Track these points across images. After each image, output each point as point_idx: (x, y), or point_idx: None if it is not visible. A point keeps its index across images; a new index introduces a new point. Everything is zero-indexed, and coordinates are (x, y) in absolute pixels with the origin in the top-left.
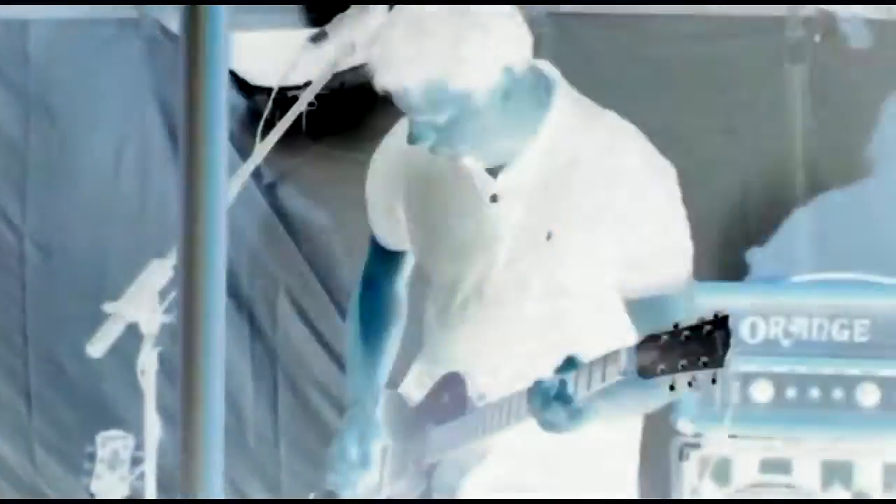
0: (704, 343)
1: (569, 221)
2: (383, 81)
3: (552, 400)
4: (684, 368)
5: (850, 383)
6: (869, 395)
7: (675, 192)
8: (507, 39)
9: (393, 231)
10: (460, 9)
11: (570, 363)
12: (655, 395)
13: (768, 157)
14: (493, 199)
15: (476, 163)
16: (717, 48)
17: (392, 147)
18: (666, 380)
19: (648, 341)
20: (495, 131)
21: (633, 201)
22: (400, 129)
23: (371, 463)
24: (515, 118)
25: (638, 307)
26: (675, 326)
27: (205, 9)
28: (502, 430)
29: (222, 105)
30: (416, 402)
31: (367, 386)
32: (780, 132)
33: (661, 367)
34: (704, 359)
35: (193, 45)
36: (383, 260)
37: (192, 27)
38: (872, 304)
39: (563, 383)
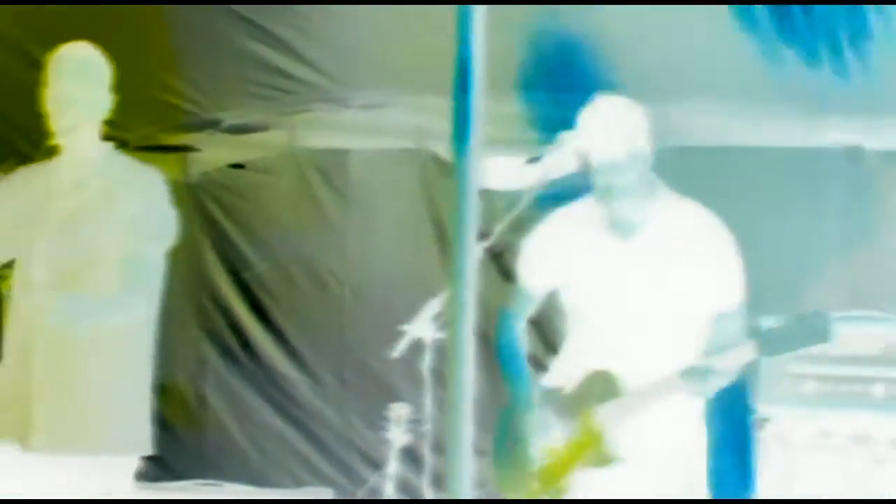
0: (811, 328)
1: (678, 269)
2: (603, 153)
3: (704, 376)
4: (800, 346)
5: None
6: None
7: (734, 248)
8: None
9: (539, 282)
10: (629, 101)
11: (711, 352)
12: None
13: None
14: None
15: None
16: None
17: (552, 223)
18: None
19: (769, 333)
20: (636, 188)
21: (713, 255)
22: (554, 214)
23: (548, 427)
24: (646, 185)
25: (723, 316)
26: (786, 323)
27: (468, 147)
28: (660, 397)
29: (475, 208)
30: (568, 391)
31: (527, 387)
32: None
33: (784, 347)
34: (813, 338)
35: (462, 170)
36: (522, 301)
37: (460, 157)
38: None
39: (710, 366)
